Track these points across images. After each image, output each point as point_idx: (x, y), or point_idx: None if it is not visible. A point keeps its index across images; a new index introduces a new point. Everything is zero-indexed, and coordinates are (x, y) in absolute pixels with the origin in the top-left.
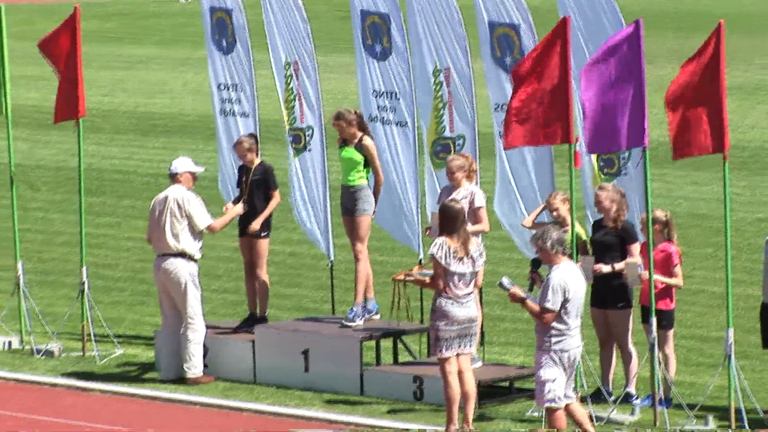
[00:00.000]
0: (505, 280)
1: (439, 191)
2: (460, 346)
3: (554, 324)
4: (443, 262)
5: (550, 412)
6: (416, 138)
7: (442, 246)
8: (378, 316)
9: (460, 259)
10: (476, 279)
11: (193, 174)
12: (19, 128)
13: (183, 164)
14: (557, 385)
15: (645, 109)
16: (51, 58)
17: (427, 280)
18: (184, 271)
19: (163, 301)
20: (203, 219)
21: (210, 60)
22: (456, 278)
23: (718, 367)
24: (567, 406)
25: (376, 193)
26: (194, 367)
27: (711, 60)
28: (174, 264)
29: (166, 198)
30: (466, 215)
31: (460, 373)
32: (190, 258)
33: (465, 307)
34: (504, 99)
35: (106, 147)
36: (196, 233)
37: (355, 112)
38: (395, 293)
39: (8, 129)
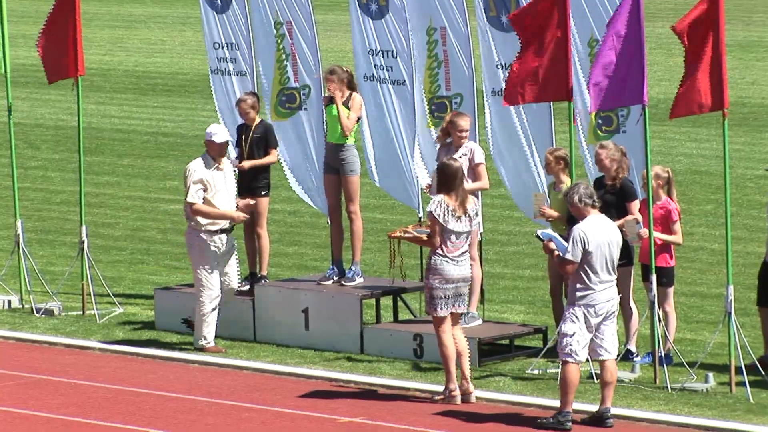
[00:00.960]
0: (543, 233)
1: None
2: (454, 305)
3: (579, 276)
4: (441, 219)
5: (565, 364)
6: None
7: (440, 203)
8: (362, 279)
9: (458, 217)
10: (471, 238)
11: (212, 142)
12: (19, 87)
13: (217, 132)
14: (575, 340)
15: (644, 66)
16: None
17: (424, 237)
18: (188, 237)
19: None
20: (189, 195)
21: (204, 19)
22: (453, 236)
23: (718, 324)
24: (603, 362)
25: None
26: (201, 339)
27: (710, 17)
28: (187, 235)
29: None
30: (466, 172)
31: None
32: (196, 227)
33: (460, 266)
34: (499, 57)
35: (106, 106)
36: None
37: (347, 70)
38: (392, 250)
39: (7, 88)
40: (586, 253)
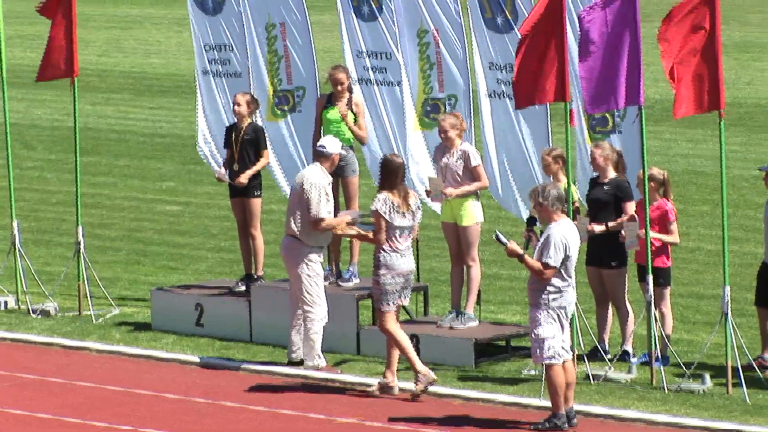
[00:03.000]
0: (501, 236)
1: (427, 151)
2: (400, 297)
3: (553, 281)
4: (387, 216)
5: (549, 368)
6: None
7: (385, 201)
8: (359, 281)
9: (402, 213)
10: (471, 239)
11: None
12: (15, 88)
13: (331, 144)
14: (556, 342)
15: (641, 66)
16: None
17: (370, 234)
18: (296, 252)
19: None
20: (317, 208)
21: (193, 21)
22: (398, 232)
23: (714, 324)
24: (564, 362)
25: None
26: (316, 358)
27: (707, 17)
28: (290, 244)
29: (300, 177)
30: (462, 174)
31: None
32: (309, 243)
33: (407, 259)
34: (494, 59)
35: (102, 106)
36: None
37: (346, 69)
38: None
39: (3, 88)
40: (566, 258)
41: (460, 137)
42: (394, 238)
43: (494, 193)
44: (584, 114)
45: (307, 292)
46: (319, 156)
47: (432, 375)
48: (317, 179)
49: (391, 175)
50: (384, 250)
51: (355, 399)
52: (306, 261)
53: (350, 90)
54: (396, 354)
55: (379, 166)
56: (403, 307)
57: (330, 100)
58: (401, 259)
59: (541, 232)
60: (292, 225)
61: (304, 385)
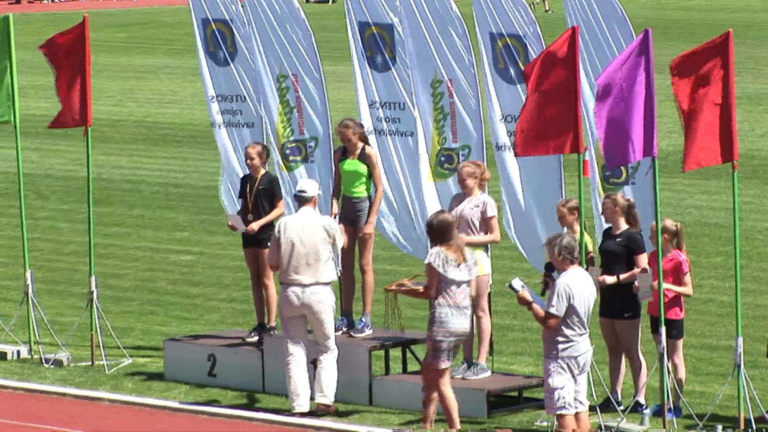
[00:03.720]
0: (516, 282)
1: (439, 201)
2: (451, 358)
3: (562, 330)
4: (441, 270)
5: (560, 418)
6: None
7: (438, 254)
8: (372, 331)
9: (458, 266)
10: (480, 289)
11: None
12: (29, 138)
13: (313, 187)
14: (566, 392)
15: (654, 118)
16: (54, 62)
17: (420, 289)
18: (330, 299)
19: (291, 331)
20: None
21: (208, 72)
22: (454, 286)
23: (727, 376)
24: (576, 414)
25: (377, 203)
26: (331, 395)
27: (720, 69)
28: (323, 292)
29: (308, 223)
30: (478, 225)
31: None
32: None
33: (464, 318)
34: (507, 110)
35: (116, 157)
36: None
37: (359, 123)
38: (387, 304)
39: (17, 138)
40: (570, 308)
41: (480, 187)
42: (450, 293)
43: (514, 241)
44: (598, 165)
45: (333, 334)
46: (305, 201)
47: None
48: (330, 219)
49: (443, 230)
50: (440, 305)
51: None
52: (332, 304)
53: (364, 140)
54: (433, 408)
55: (426, 225)
56: (417, 359)
57: (345, 153)
58: (456, 318)
59: None
60: (323, 271)
61: None
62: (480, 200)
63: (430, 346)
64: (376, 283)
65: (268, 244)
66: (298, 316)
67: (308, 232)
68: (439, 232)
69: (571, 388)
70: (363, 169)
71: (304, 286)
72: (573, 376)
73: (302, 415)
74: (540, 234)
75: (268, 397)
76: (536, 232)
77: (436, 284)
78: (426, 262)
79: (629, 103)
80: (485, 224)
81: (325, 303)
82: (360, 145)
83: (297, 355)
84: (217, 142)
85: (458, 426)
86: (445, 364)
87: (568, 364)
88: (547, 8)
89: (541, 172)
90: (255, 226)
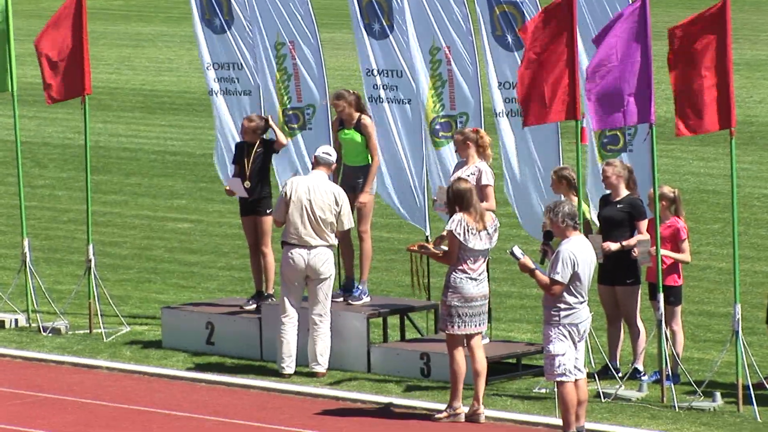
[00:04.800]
0: (516, 250)
1: (438, 168)
2: (474, 325)
3: (564, 297)
4: (461, 238)
5: (561, 385)
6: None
7: (460, 222)
8: (369, 299)
9: (478, 233)
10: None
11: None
12: (26, 106)
13: (335, 153)
14: (567, 358)
15: (652, 84)
16: (48, 50)
17: (440, 253)
18: (332, 263)
19: (291, 292)
20: (351, 220)
21: (204, 40)
22: (472, 257)
23: (725, 343)
24: (575, 381)
25: (372, 172)
26: (325, 363)
27: (717, 36)
28: (327, 254)
29: (319, 186)
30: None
31: (471, 351)
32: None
33: (479, 284)
34: (505, 77)
35: (113, 125)
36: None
37: (354, 93)
38: (412, 265)
39: (14, 106)
40: (574, 274)
41: (480, 154)
42: (468, 262)
43: (513, 209)
44: (595, 133)
45: (329, 299)
46: (322, 164)
47: (462, 417)
48: (343, 191)
49: (460, 200)
50: (455, 273)
51: (365, 417)
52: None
53: (361, 109)
54: (482, 382)
55: (446, 194)
56: (416, 327)
57: (342, 123)
58: (473, 284)
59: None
60: (329, 235)
61: (314, 402)
62: (476, 168)
63: (444, 310)
64: (374, 251)
65: (267, 211)
66: (299, 279)
67: (319, 195)
68: (457, 200)
69: (571, 355)
70: (359, 138)
71: (311, 247)
72: (573, 344)
73: (290, 376)
74: (535, 202)
75: (266, 365)
76: (532, 201)
77: (456, 251)
78: (447, 229)
79: (625, 68)
80: (480, 192)
81: (328, 265)
82: (356, 114)
83: (293, 318)
84: (213, 110)
85: (459, 400)
86: (457, 330)
87: (569, 331)
88: None
89: (539, 139)
90: (249, 182)
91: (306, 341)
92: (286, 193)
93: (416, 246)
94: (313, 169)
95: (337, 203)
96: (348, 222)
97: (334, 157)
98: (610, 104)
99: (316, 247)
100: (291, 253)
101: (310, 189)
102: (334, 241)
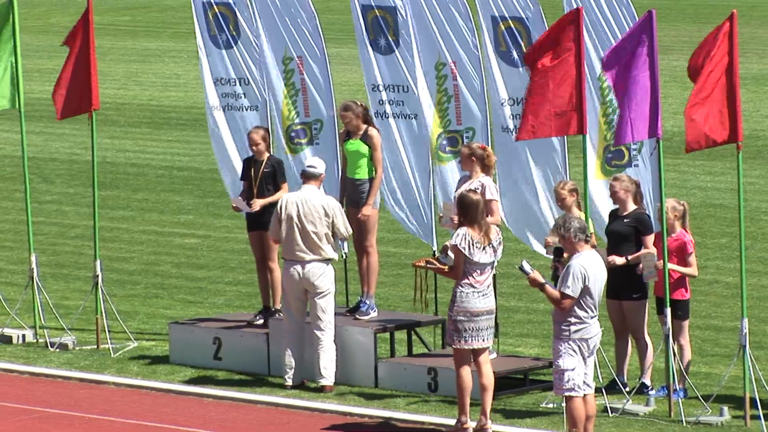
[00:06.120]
0: (526, 264)
1: (448, 183)
2: (479, 339)
3: (575, 312)
4: (466, 252)
5: (569, 400)
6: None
7: (465, 236)
8: (376, 313)
9: (483, 248)
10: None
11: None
12: (33, 121)
13: (322, 165)
14: (576, 374)
15: (659, 99)
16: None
17: (446, 269)
18: (330, 276)
19: (291, 306)
20: (348, 226)
21: (208, 55)
22: (478, 270)
23: (732, 357)
24: (584, 396)
25: (375, 186)
26: (331, 376)
27: (724, 50)
28: (322, 269)
29: (309, 200)
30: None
31: (478, 366)
32: (330, 263)
33: (486, 298)
34: (510, 93)
35: (120, 140)
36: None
37: (361, 105)
38: (417, 280)
39: (21, 122)
40: (584, 289)
41: (484, 169)
42: (473, 276)
43: (509, 225)
44: (599, 147)
45: (331, 312)
46: (311, 178)
47: (470, 431)
48: (331, 198)
49: (468, 210)
50: (461, 287)
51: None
52: (333, 281)
53: (368, 121)
54: (488, 397)
55: (455, 204)
56: (423, 342)
57: (348, 135)
58: (479, 298)
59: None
60: (324, 249)
61: (322, 417)
62: (479, 182)
63: (450, 325)
64: (381, 265)
65: None
66: (299, 293)
67: (308, 209)
68: (463, 211)
69: (581, 371)
70: (365, 149)
71: (305, 262)
72: (583, 358)
73: (291, 388)
74: (542, 217)
75: (273, 380)
76: (538, 216)
77: (462, 265)
78: (452, 243)
79: (632, 84)
80: (485, 207)
81: (324, 280)
82: (363, 126)
83: (293, 331)
84: (210, 125)
85: (467, 415)
86: (463, 345)
87: (579, 346)
88: None
89: (546, 154)
90: (257, 205)
91: (313, 356)
92: (278, 210)
93: (422, 261)
94: (303, 184)
95: (327, 214)
96: (344, 229)
97: (321, 168)
98: (620, 120)
99: (310, 262)
100: (288, 269)
101: (299, 204)
102: (333, 255)
